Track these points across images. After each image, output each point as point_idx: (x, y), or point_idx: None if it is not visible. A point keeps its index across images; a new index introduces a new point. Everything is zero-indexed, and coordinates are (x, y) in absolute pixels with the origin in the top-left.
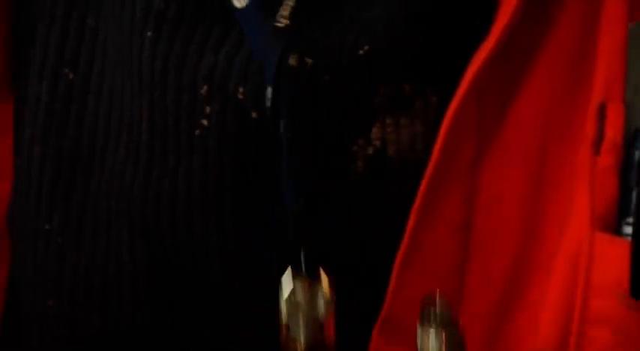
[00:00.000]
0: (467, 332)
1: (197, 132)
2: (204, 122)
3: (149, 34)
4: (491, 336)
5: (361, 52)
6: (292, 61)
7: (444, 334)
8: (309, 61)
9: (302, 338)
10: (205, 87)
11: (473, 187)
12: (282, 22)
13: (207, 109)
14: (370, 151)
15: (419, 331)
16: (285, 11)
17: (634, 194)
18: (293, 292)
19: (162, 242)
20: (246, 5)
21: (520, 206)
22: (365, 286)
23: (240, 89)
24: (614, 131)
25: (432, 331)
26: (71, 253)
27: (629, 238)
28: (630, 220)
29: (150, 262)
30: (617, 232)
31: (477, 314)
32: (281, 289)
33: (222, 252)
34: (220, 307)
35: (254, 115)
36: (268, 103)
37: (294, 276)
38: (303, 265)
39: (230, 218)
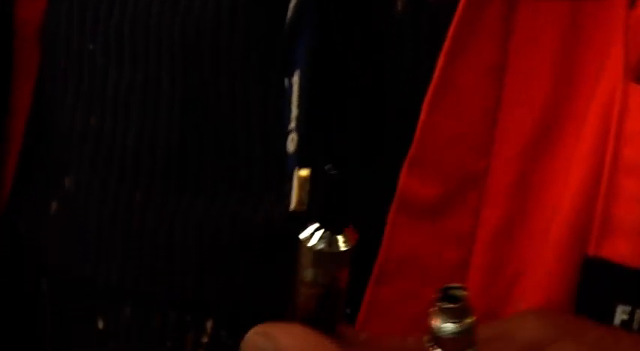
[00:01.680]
0: (497, 174)
1: None
2: None
3: None
4: (522, 179)
5: None
6: None
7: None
8: None
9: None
10: None
11: (507, 28)
12: None
13: None
14: None
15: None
16: None
17: None
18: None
19: (200, 71)
20: None
21: (554, 51)
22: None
23: None
24: None
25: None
26: (113, 73)
27: None
28: None
29: (186, 90)
30: None
31: (507, 158)
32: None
33: (262, 92)
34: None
35: None
36: None
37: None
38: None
39: (274, 52)
